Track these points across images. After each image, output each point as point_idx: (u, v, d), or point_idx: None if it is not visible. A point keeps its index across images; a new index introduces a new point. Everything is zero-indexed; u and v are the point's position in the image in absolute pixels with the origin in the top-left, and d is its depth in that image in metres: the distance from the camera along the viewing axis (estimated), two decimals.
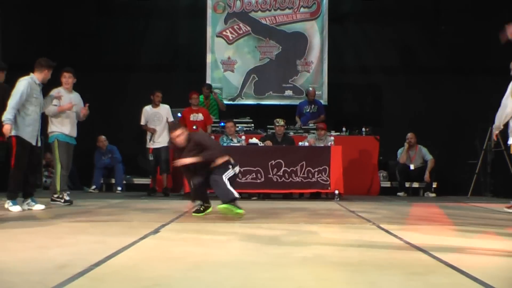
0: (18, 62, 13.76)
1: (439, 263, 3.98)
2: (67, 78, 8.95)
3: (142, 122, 11.59)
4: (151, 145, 11.49)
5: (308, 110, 13.08)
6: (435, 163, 12.46)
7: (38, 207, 8.01)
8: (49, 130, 8.96)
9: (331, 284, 3.35)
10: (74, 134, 9.08)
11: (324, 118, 12.83)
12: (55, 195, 8.83)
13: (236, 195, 6.97)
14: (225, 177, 7.00)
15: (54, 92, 8.78)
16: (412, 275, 3.57)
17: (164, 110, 11.54)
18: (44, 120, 8.80)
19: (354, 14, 14.69)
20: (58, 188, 8.79)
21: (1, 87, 8.54)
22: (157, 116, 11.50)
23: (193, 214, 7.32)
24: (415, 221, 7.00)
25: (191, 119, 11.61)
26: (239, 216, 6.85)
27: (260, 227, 6.23)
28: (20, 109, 7.80)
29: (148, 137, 11.54)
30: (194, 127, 11.49)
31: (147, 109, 11.58)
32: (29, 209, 7.87)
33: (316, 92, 13.61)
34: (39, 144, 8.29)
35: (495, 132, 8.52)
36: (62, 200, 8.77)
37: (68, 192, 8.98)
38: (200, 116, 11.65)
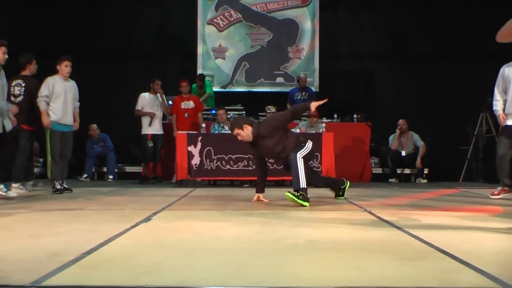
0: (9, 51, 13.70)
1: (431, 248, 4.00)
2: (68, 67, 8.89)
3: (138, 107, 11.58)
4: (150, 130, 11.49)
5: (299, 97, 13.07)
6: (426, 149, 12.50)
7: (10, 194, 8.00)
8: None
9: (324, 270, 3.36)
10: (69, 121, 9.03)
11: None
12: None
13: (304, 185, 6.98)
14: (299, 158, 7.07)
15: (49, 81, 8.74)
16: (404, 260, 3.58)
17: (162, 99, 11.66)
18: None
19: (345, 1, 14.67)
20: (49, 176, 8.83)
21: (32, 80, 8.79)
22: (156, 103, 11.55)
23: (337, 198, 7.85)
24: (407, 207, 7.02)
25: (182, 107, 11.60)
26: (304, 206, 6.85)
27: (252, 214, 6.23)
28: None
29: (145, 122, 11.52)
30: (186, 115, 11.50)
31: (145, 95, 11.61)
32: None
33: (308, 79, 13.59)
34: (6, 130, 7.95)
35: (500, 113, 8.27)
36: (53, 189, 8.78)
37: (60, 181, 8.94)
38: (191, 104, 11.63)
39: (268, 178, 10.55)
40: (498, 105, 8.27)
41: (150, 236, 4.65)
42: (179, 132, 10.82)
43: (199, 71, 14.05)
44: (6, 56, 7.97)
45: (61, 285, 2.99)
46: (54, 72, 8.92)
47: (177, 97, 11.75)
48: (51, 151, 8.80)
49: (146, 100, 11.56)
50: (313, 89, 13.66)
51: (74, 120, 9.15)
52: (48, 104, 8.77)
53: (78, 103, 9.30)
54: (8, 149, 8.16)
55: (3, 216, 6.08)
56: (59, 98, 8.85)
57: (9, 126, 7.94)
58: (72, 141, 9.17)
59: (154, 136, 11.50)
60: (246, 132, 7.18)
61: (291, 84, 13.97)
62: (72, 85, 9.14)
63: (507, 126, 8.14)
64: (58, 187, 8.80)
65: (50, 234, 4.69)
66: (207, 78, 13.48)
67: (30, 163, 9.23)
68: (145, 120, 11.53)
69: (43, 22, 13.81)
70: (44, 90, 8.68)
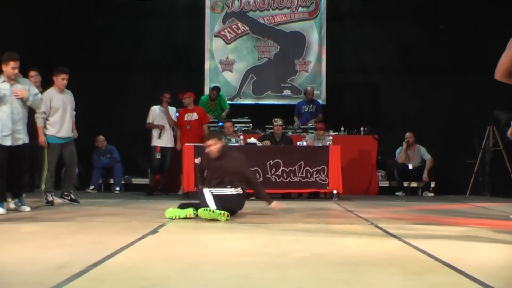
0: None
1: (437, 263, 3.99)
2: (65, 80, 8.85)
3: (149, 120, 11.63)
4: (159, 143, 11.53)
5: (306, 110, 13.08)
6: (433, 163, 12.46)
7: (24, 208, 7.79)
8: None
9: (330, 283, 3.36)
10: (67, 134, 8.96)
11: (321, 118, 12.81)
12: (64, 193, 8.95)
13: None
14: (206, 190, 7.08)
15: (46, 97, 8.66)
16: (411, 275, 3.58)
17: (172, 112, 11.67)
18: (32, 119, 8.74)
19: (352, 14, 14.68)
20: (42, 188, 8.78)
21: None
22: (166, 116, 11.59)
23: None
24: (414, 221, 7.00)
25: (186, 119, 11.59)
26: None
27: (258, 227, 6.23)
28: None
29: (155, 134, 11.57)
30: (188, 127, 11.50)
31: (156, 108, 11.65)
32: (16, 210, 7.74)
33: (315, 92, 13.60)
34: (20, 143, 7.72)
35: None
36: (46, 201, 8.70)
37: (53, 193, 8.85)
38: (194, 116, 11.63)
39: (274, 191, 10.63)
40: None
41: (156, 249, 4.66)
42: (186, 144, 10.82)
43: (207, 83, 14.08)
44: (16, 71, 7.69)
45: None
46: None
47: (182, 109, 11.76)
48: (48, 164, 8.78)
49: (156, 113, 11.61)
50: (320, 101, 13.65)
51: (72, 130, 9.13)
52: (46, 119, 8.78)
53: (74, 113, 9.21)
54: (25, 163, 8.18)
55: (10, 228, 6.10)
56: (57, 112, 8.83)
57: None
58: (75, 149, 9.14)
59: (163, 149, 11.54)
60: (216, 146, 7.35)
61: (298, 97, 13.98)
62: (69, 97, 9.06)
63: None
64: (50, 199, 8.73)
65: (56, 246, 4.70)
66: None
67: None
68: (155, 132, 11.58)
69: (50, 34, 13.87)
70: (42, 107, 8.51)
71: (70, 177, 9.17)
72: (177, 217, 6.77)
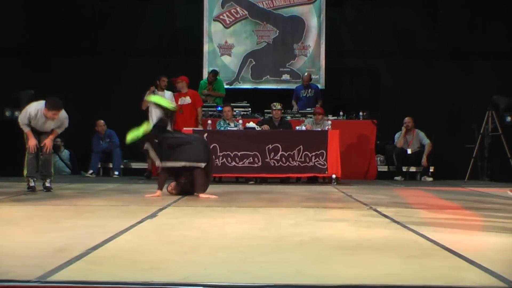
0: (14, 47, 13.74)
1: (436, 246, 3.99)
2: (56, 115, 8.23)
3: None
4: None
5: (304, 95, 13.06)
6: (432, 147, 12.47)
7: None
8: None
9: (329, 267, 3.36)
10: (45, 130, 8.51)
11: (321, 103, 12.77)
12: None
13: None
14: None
15: (35, 112, 8.25)
16: (409, 258, 3.58)
17: (168, 96, 11.60)
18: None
19: None
20: (24, 174, 8.36)
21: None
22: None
23: None
24: (412, 205, 7.01)
25: (179, 103, 11.54)
26: None
27: (257, 211, 6.24)
28: None
29: (151, 115, 11.52)
30: (180, 112, 11.44)
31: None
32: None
33: (314, 76, 13.59)
34: None
35: None
36: (27, 187, 8.29)
37: (35, 179, 8.38)
38: (187, 99, 11.59)
39: (273, 175, 10.64)
40: None
41: (155, 232, 4.67)
42: (185, 128, 10.79)
43: (205, 68, 14.04)
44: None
45: (66, 280, 3.00)
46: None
47: (176, 94, 11.71)
48: (28, 148, 8.34)
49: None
50: (319, 86, 13.64)
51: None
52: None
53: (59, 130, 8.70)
54: None
55: (8, 211, 6.10)
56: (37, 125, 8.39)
57: None
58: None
59: None
60: None
61: (296, 81, 13.95)
62: (57, 123, 8.45)
63: None
64: (32, 184, 8.29)
65: (55, 229, 4.70)
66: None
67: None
68: (151, 116, 11.53)
69: (48, 19, 13.79)
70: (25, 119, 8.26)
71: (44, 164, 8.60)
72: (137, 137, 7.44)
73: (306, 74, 13.32)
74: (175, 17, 14.58)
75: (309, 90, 13.07)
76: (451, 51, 13.92)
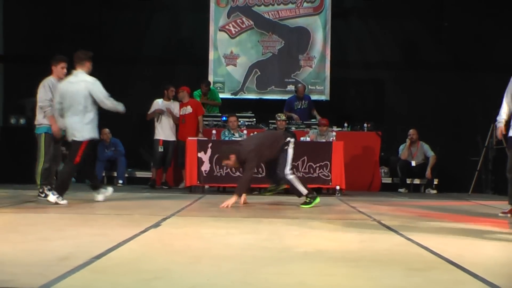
0: (19, 55, 13.79)
1: (439, 259, 3.99)
2: (64, 69, 8.67)
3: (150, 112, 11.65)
4: (161, 136, 11.53)
5: (299, 106, 13.02)
6: (436, 160, 12.45)
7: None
8: (37, 121, 8.50)
9: (332, 279, 3.36)
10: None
11: (316, 112, 12.79)
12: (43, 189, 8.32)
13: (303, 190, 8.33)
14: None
15: (48, 82, 8.49)
16: (413, 271, 3.58)
17: (175, 106, 11.63)
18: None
19: (357, 9, 14.65)
20: (38, 181, 8.31)
21: None
22: (169, 110, 11.57)
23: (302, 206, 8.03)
24: (416, 218, 7.00)
25: (181, 113, 11.60)
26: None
27: (261, 221, 6.24)
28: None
29: (157, 125, 11.56)
30: (183, 121, 11.50)
31: (159, 101, 11.66)
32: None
33: (318, 87, 13.62)
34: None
35: (500, 126, 7.81)
36: (43, 195, 8.15)
37: (49, 187, 8.18)
38: (188, 109, 11.62)
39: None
40: (502, 115, 7.59)
41: (159, 242, 4.67)
42: (189, 138, 10.80)
43: (210, 78, 14.05)
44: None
45: None
46: (64, 75, 8.64)
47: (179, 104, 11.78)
48: (44, 157, 8.32)
49: (158, 106, 11.60)
50: (324, 97, 13.65)
51: None
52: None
53: None
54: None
55: (13, 219, 6.11)
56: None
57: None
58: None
59: (165, 142, 11.54)
60: (232, 161, 7.90)
61: None
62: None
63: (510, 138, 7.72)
64: (48, 192, 8.03)
65: (59, 237, 4.70)
66: (218, 85, 13.59)
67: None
68: (157, 125, 11.58)
69: (55, 26, 13.86)
70: (46, 94, 8.43)
71: (52, 172, 8.60)
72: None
73: (300, 85, 13.34)
74: (180, 26, 14.62)
75: (303, 101, 13.05)
76: (456, 63, 13.92)
